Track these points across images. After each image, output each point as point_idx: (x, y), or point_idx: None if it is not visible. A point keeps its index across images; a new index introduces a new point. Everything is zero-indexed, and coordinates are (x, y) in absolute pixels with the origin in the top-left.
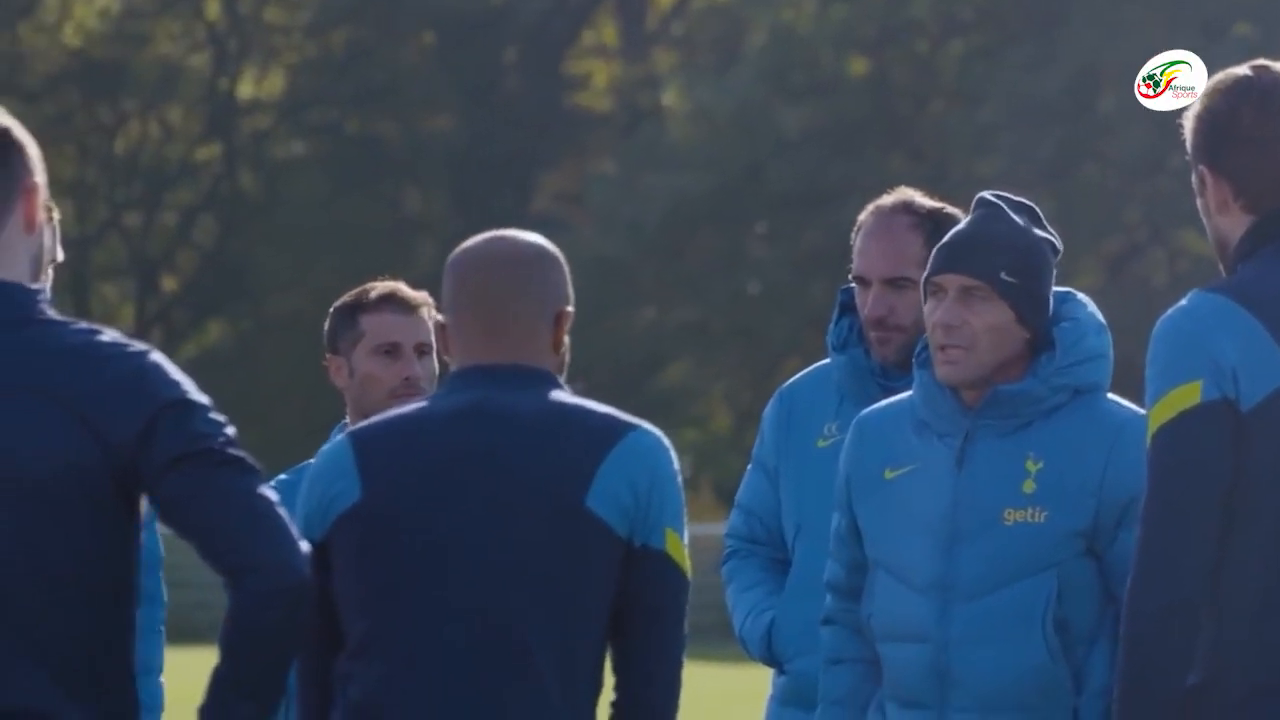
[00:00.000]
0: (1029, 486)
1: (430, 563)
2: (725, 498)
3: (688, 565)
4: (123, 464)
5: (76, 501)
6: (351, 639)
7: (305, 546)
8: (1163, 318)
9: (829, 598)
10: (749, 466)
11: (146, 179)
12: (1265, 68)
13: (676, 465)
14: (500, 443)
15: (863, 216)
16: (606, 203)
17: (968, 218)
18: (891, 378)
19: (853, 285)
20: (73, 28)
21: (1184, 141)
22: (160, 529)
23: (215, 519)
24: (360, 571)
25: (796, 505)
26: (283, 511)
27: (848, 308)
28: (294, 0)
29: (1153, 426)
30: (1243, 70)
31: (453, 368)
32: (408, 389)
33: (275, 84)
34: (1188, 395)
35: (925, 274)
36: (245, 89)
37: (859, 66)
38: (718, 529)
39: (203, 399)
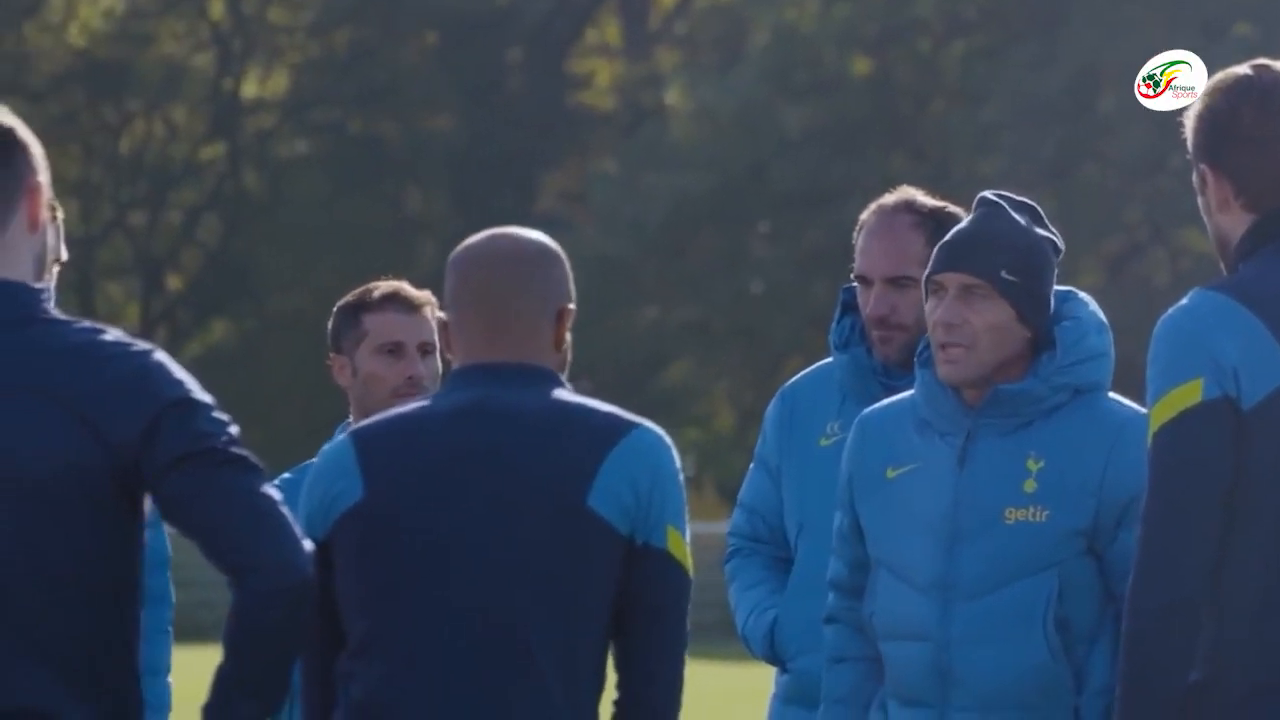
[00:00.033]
0: (1030, 486)
1: (432, 562)
2: (728, 496)
3: (689, 563)
4: (125, 464)
5: (77, 501)
6: (353, 638)
7: (308, 545)
8: (1164, 317)
9: (831, 596)
10: (751, 465)
11: (151, 178)
12: (1266, 67)
13: (678, 463)
14: (502, 441)
15: (865, 215)
16: (609, 202)
17: (969, 217)
18: (893, 377)
19: (855, 284)
20: (77, 28)
21: (1185, 141)
22: (167, 528)
23: (218, 518)
24: (362, 570)
25: (799, 504)
26: (285, 510)
27: (850, 307)
28: (297, 0)
29: (1154, 425)
30: (1243, 69)
31: (455, 366)
32: (411, 388)
33: (279, 84)
34: (1189, 394)
35: (926, 272)
36: (249, 89)
37: (861, 66)
38: (720, 528)
39: (206, 398)
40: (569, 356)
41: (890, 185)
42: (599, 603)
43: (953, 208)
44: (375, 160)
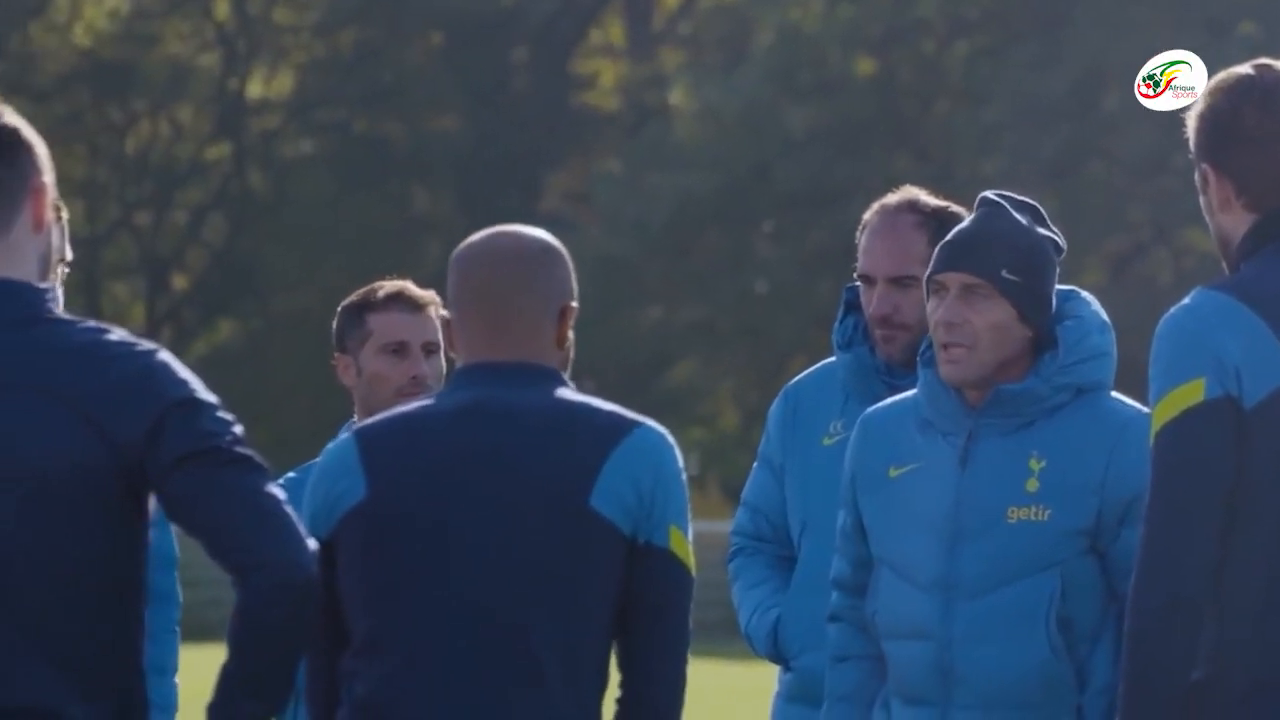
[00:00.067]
0: (1032, 485)
1: (434, 561)
2: (732, 495)
3: (692, 562)
4: (130, 463)
5: (83, 501)
6: (357, 637)
7: (312, 544)
8: (1166, 316)
9: (835, 595)
10: (755, 464)
11: (156, 178)
12: (1267, 67)
13: (681, 462)
14: (505, 441)
15: (868, 215)
16: (613, 202)
17: (970, 217)
18: (896, 376)
19: (858, 284)
20: (83, 28)
21: (1187, 140)
22: (174, 528)
23: (222, 517)
24: (365, 570)
25: (802, 502)
26: (290, 509)
27: (853, 306)
28: (302, 0)
29: (1156, 425)
30: (1245, 69)
31: (458, 364)
32: (415, 388)
33: (284, 84)
34: (1191, 393)
35: (928, 272)
36: (254, 89)
37: (865, 66)
38: (725, 526)
39: (210, 398)
40: (571, 354)
41: (894, 185)
42: (601, 602)
43: (955, 207)
44: (380, 160)
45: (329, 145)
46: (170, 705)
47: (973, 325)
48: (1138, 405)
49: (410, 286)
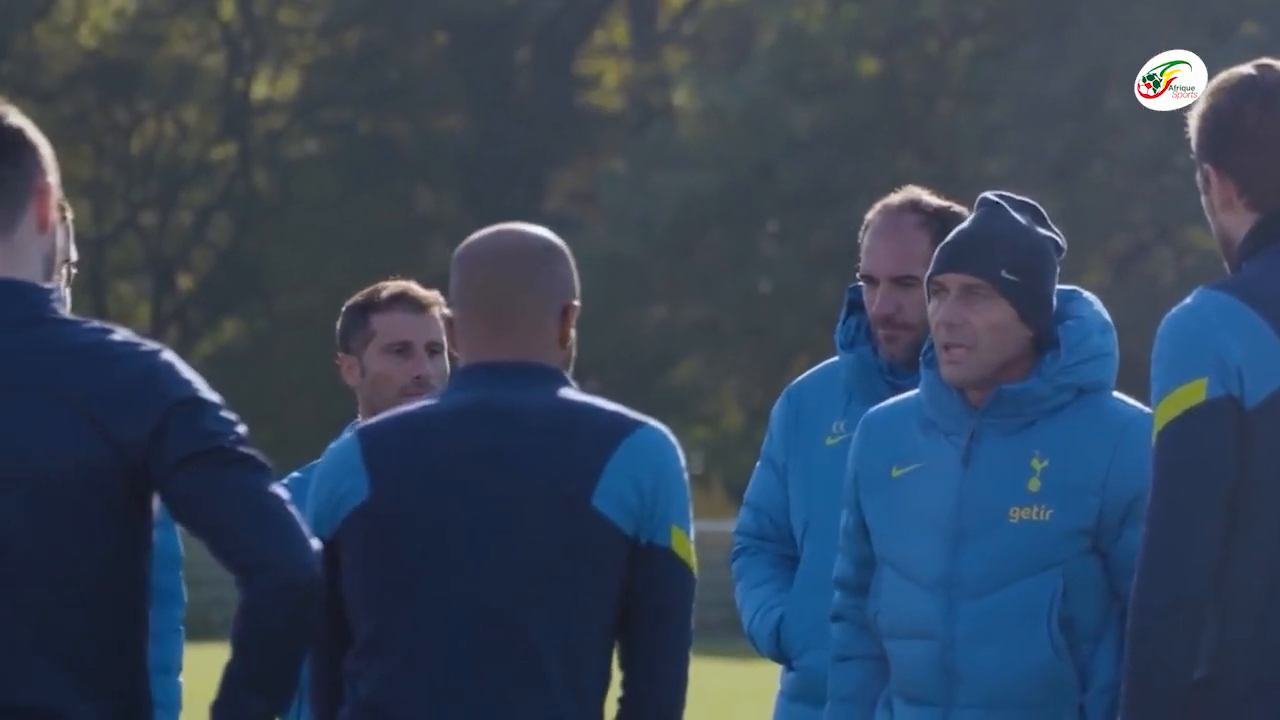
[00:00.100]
0: (1034, 485)
1: (436, 561)
2: (736, 495)
3: (694, 562)
4: (134, 463)
5: (88, 501)
6: (360, 636)
7: (315, 544)
8: (1168, 316)
9: (837, 594)
10: (758, 464)
11: (162, 178)
12: (1269, 67)
13: (683, 462)
14: (507, 441)
15: (870, 215)
16: (617, 202)
17: (970, 217)
18: (899, 375)
19: (861, 284)
20: (88, 28)
21: (1189, 140)
22: (178, 527)
23: (225, 517)
24: (367, 569)
25: (805, 502)
26: (293, 509)
27: (856, 306)
28: (307, 1)
29: (1158, 424)
30: (1247, 69)
31: (460, 363)
32: (419, 388)
33: (289, 84)
34: (1193, 393)
35: (928, 273)
36: (259, 89)
37: (869, 66)
38: (729, 526)
39: (214, 397)
40: (574, 353)
41: (898, 185)
42: (603, 602)
43: (958, 207)
44: (385, 160)
45: (334, 145)
46: (174, 704)
47: (973, 326)
48: (1139, 405)
49: (414, 287)
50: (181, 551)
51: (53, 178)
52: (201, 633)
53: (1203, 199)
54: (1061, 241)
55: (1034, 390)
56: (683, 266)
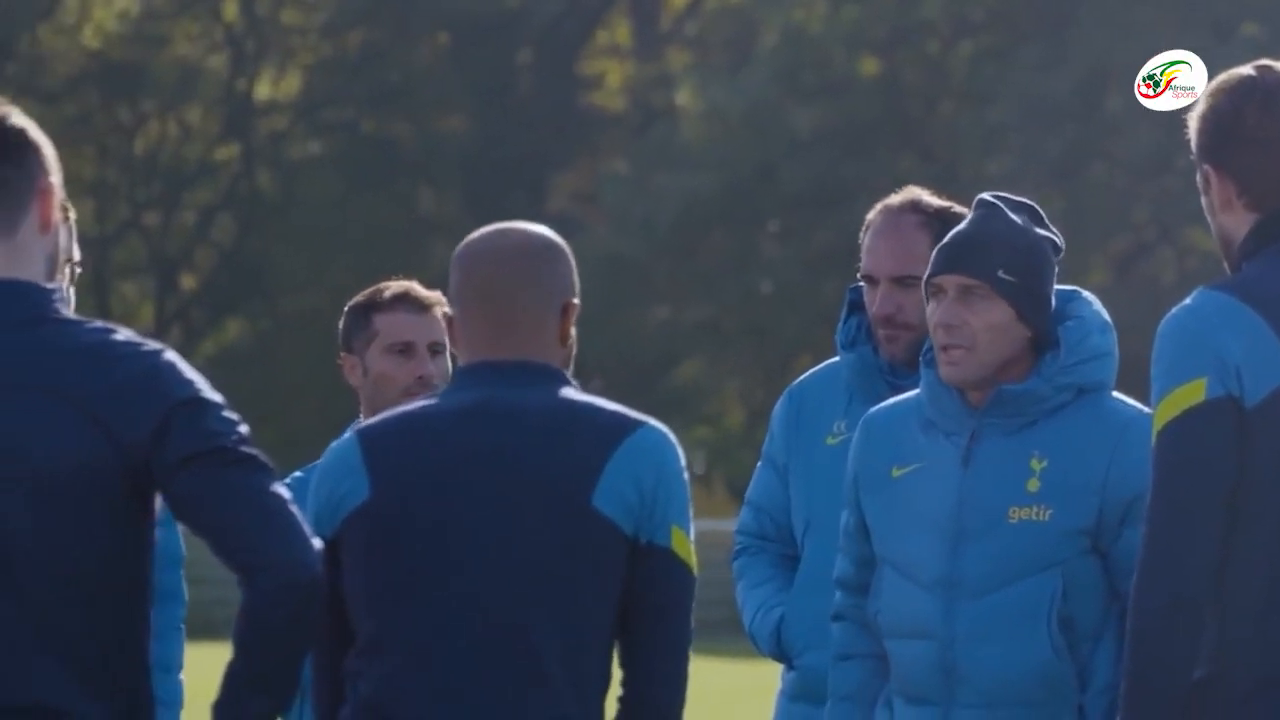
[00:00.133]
0: (1034, 485)
1: (437, 561)
2: (738, 494)
3: (694, 562)
4: (136, 463)
5: (90, 500)
6: (361, 636)
7: (317, 544)
8: (1168, 316)
9: (838, 594)
10: (759, 463)
11: (165, 179)
12: (1269, 68)
13: (683, 461)
14: (507, 441)
15: (871, 215)
16: (620, 202)
17: (967, 219)
18: (900, 375)
19: (861, 284)
20: (92, 29)
21: (1189, 141)
22: (180, 527)
23: (227, 517)
24: (368, 569)
25: (806, 502)
26: (295, 509)
27: (857, 306)
28: (310, 2)
29: (1158, 424)
30: (1246, 70)
31: (460, 363)
32: (421, 388)
33: (292, 85)
34: (1193, 393)
35: (926, 275)
36: (262, 90)
37: (870, 67)
38: (730, 525)
39: (215, 397)
40: (574, 351)
41: (899, 186)
42: (604, 601)
43: (958, 208)
44: (388, 161)
45: (336, 146)
46: (175, 702)
47: (971, 326)
48: (1139, 405)
49: (416, 287)
50: (183, 551)
51: (55, 178)
52: (203, 632)
53: (1203, 200)
54: (1059, 241)
55: (1034, 390)
56: (684, 267)
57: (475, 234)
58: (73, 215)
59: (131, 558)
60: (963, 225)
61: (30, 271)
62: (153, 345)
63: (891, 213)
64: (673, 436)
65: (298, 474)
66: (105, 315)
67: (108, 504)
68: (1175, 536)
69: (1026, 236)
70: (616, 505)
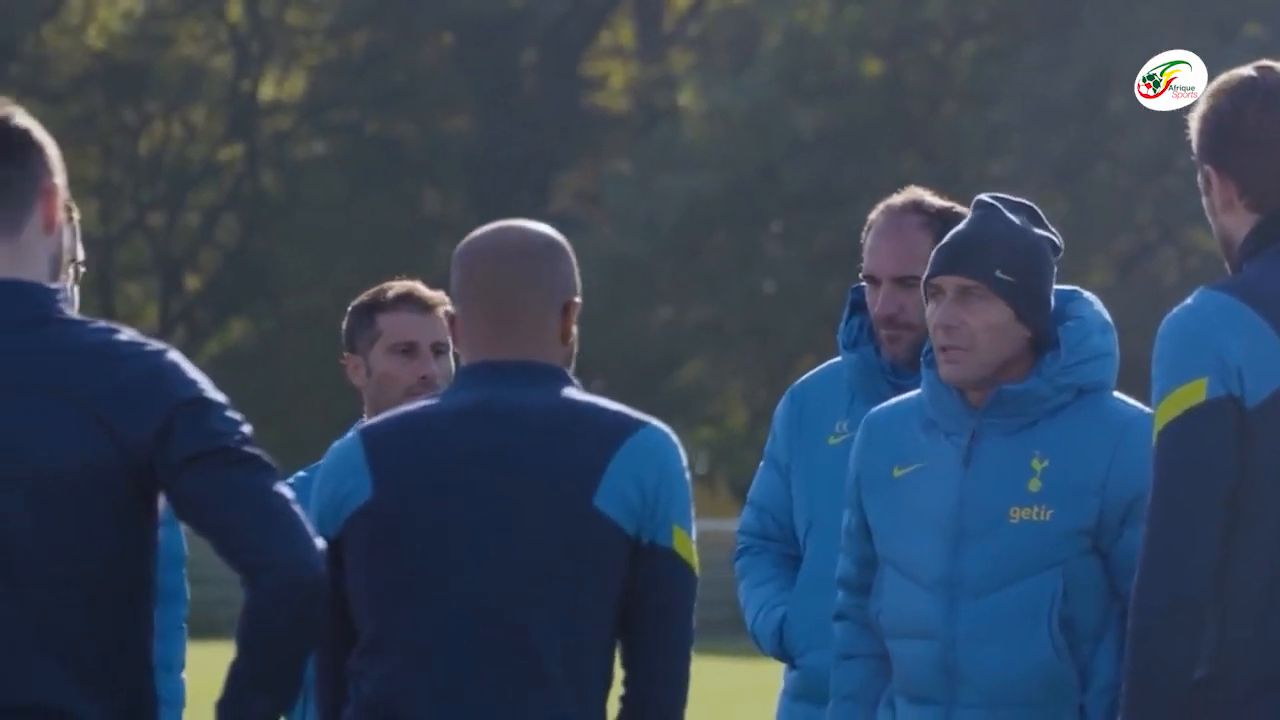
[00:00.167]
0: (1034, 485)
1: (439, 561)
2: (741, 494)
3: (695, 562)
4: (139, 463)
5: (93, 500)
6: (363, 636)
7: (320, 543)
8: (1168, 316)
9: (840, 593)
10: (761, 463)
11: (170, 179)
12: (1270, 68)
13: (685, 462)
14: (509, 441)
15: (873, 216)
16: (623, 203)
17: (965, 220)
18: (901, 376)
19: (863, 284)
20: (96, 30)
21: (1191, 141)
22: (183, 526)
23: (230, 517)
24: (371, 569)
25: (808, 502)
26: (298, 509)
27: (858, 306)
28: (315, 2)
29: (1158, 424)
30: (1247, 71)
31: (462, 362)
32: (424, 388)
33: (296, 85)
34: (1193, 393)
35: (925, 276)
36: (267, 90)
37: (873, 68)
38: (733, 525)
39: (219, 397)
40: (575, 350)
41: (901, 186)
42: (605, 601)
43: (960, 208)
44: (392, 161)
45: (341, 146)
46: (177, 701)
47: (969, 327)
48: (1140, 405)
49: (419, 287)
50: (185, 550)
51: (59, 178)
52: (207, 631)
53: (1204, 200)
54: (1058, 241)
55: (1034, 390)
56: (688, 267)
57: (477, 232)
58: (77, 215)
59: (134, 558)
60: (961, 226)
61: (34, 272)
62: (156, 345)
63: (894, 213)
64: (674, 437)
65: (301, 474)
66: (110, 315)
67: (111, 504)
68: (1176, 536)
69: (1025, 237)
70: (618, 505)
